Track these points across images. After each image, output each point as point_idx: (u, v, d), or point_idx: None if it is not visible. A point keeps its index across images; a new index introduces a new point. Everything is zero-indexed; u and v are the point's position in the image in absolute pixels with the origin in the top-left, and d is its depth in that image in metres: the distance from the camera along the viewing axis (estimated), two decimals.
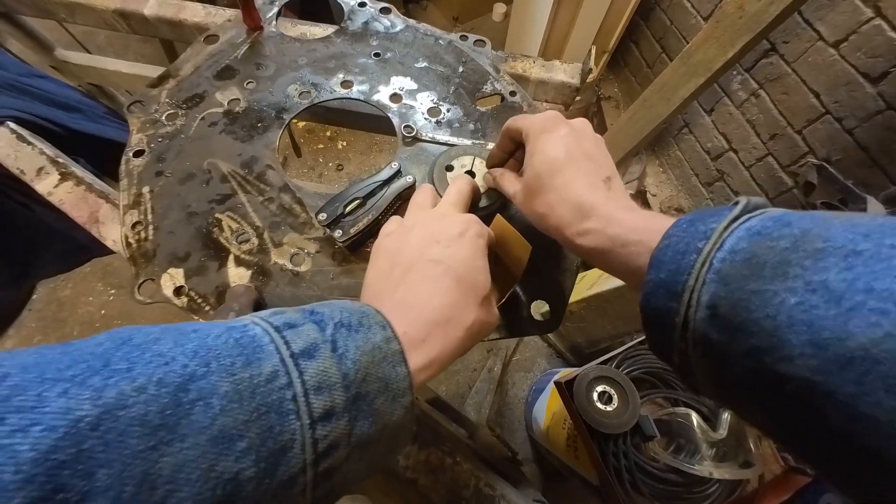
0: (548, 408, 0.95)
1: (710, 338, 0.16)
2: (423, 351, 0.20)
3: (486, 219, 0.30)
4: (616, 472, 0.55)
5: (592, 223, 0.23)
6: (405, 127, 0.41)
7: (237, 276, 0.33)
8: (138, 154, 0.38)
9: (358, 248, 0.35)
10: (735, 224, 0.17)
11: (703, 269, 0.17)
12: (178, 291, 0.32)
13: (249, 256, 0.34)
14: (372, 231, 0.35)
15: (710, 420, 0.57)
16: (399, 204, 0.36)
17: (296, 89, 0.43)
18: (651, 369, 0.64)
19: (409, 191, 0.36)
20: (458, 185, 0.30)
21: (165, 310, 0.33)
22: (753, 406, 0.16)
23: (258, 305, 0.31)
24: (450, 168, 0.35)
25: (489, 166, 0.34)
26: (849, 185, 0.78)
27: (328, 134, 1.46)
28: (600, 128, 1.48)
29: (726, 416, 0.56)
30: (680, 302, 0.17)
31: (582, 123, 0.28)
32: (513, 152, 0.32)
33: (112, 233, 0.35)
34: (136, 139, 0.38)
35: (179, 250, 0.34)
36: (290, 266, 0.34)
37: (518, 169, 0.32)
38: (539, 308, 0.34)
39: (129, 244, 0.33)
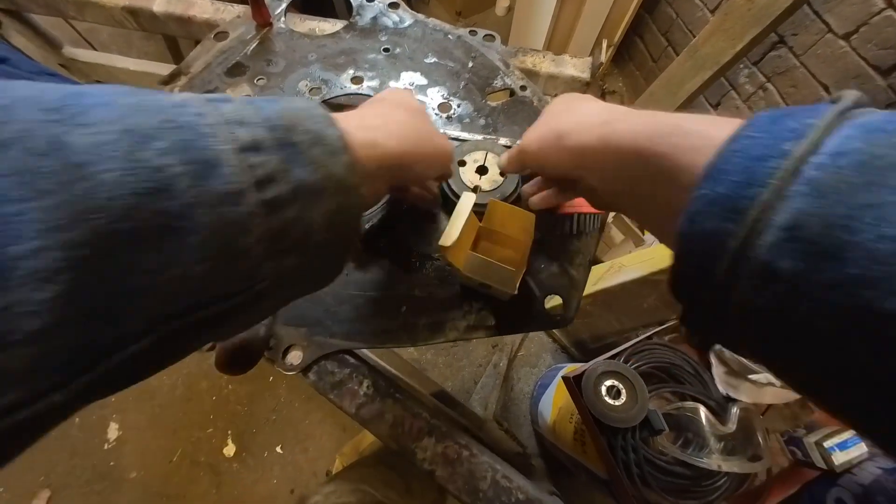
0: (554, 402, 0.95)
1: (779, 267, 0.13)
2: (363, 131, 0.20)
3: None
4: (625, 466, 0.55)
5: (623, 115, 0.20)
6: None
7: None
8: None
9: (371, 245, 0.35)
10: (842, 121, 0.13)
11: (789, 178, 0.13)
12: None
13: None
14: (386, 226, 0.35)
15: (719, 414, 0.58)
16: None
17: (306, 85, 0.43)
18: (659, 364, 0.64)
19: None
20: None
21: None
22: (816, 356, 0.13)
23: None
24: (462, 163, 0.35)
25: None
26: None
27: None
28: None
29: (735, 410, 0.56)
30: (741, 222, 0.13)
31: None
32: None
33: None
34: None
35: None
36: None
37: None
38: (552, 302, 0.34)
39: None
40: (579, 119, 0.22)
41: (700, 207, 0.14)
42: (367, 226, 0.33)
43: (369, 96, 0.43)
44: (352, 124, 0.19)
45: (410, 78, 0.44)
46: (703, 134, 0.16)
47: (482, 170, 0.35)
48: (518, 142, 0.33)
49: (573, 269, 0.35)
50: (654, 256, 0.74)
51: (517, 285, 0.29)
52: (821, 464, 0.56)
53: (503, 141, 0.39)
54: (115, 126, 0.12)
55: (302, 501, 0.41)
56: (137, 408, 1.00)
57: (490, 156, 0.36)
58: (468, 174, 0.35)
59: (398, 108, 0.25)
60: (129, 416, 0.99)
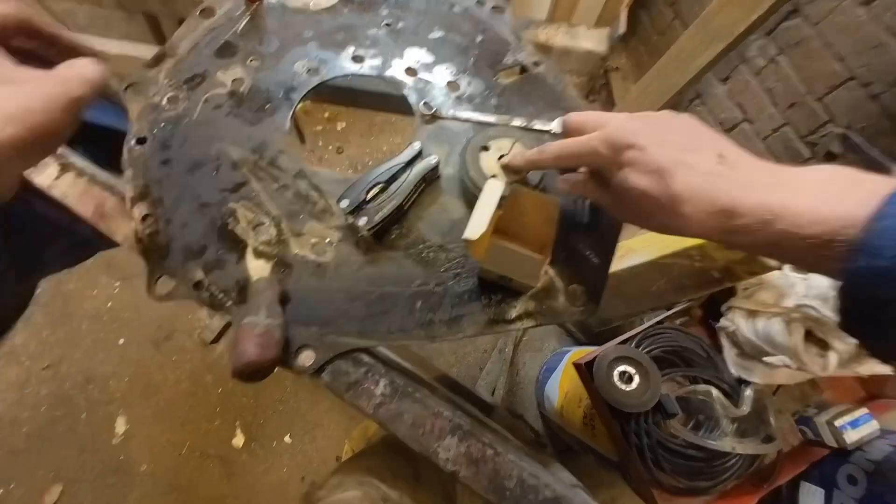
0: (560, 387, 0.95)
1: None
2: None
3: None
4: (638, 450, 0.55)
5: (744, 220, 0.20)
6: (424, 104, 0.38)
7: (257, 268, 0.31)
8: (141, 141, 0.35)
9: (383, 236, 0.33)
10: None
11: None
12: (197, 286, 0.30)
13: (268, 248, 0.32)
14: (397, 217, 0.33)
15: (732, 396, 0.58)
16: (423, 187, 0.34)
17: (303, 66, 0.40)
18: (671, 348, 0.64)
19: (434, 172, 0.34)
20: None
21: (174, 303, 0.32)
22: None
23: (282, 299, 0.30)
24: (485, 148, 0.33)
25: (523, 168, 0.31)
26: (874, 154, 0.76)
27: (326, 115, 1.41)
28: (608, 101, 1.43)
29: (749, 392, 0.56)
30: None
31: (645, 119, 0.25)
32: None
33: (121, 227, 0.33)
34: (136, 125, 0.35)
35: (194, 244, 0.32)
36: (312, 257, 0.32)
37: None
38: (574, 293, 0.32)
39: (139, 239, 0.31)
40: (699, 219, 0.21)
41: (862, 280, 0.17)
42: (376, 218, 0.31)
43: (373, 77, 0.40)
44: None
45: (416, 55, 0.41)
46: (831, 228, 0.18)
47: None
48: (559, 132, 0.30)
49: (598, 257, 0.33)
50: (663, 240, 0.73)
51: (540, 277, 0.27)
52: (832, 443, 0.57)
53: (517, 122, 0.36)
54: None
55: (311, 491, 0.40)
56: (143, 403, 0.99)
57: (518, 146, 0.33)
58: (489, 161, 0.33)
59: None
60: (135, 411, 0.98)
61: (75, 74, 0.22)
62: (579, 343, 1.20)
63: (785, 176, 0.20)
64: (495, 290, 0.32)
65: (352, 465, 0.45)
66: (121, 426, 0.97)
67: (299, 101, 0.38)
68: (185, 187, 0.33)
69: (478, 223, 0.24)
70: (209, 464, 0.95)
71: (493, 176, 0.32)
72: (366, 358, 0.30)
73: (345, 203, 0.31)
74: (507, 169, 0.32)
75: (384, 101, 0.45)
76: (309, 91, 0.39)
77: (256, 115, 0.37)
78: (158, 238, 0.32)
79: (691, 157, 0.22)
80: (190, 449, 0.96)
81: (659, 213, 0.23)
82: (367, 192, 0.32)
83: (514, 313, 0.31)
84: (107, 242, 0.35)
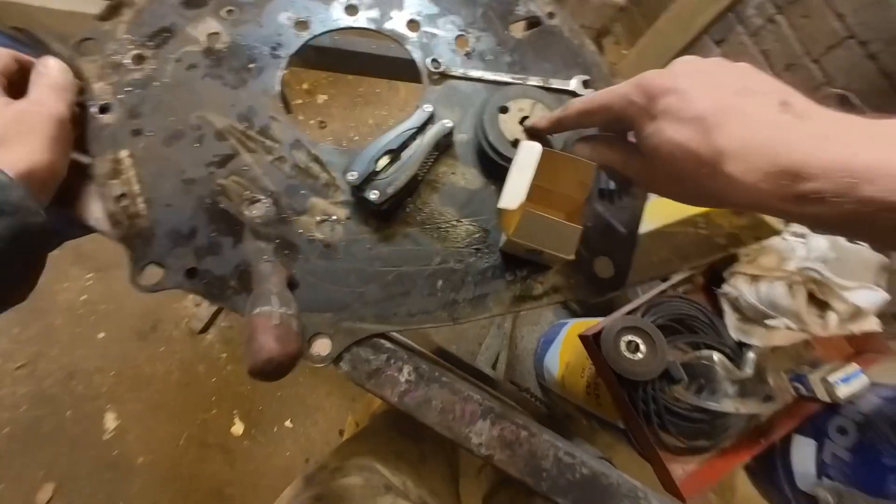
0: (561, 358, 0.97)
1: None
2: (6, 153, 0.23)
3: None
4: (645, 415, 0.57)
5: (813, 183, 0.16)
6: (431, 61, 0.34)
7: (257, 251, 0.28)
8: (104, 109, 0.30)
9: (396, 211, 0.30)
10: None
11: None
12: (191, 274, 0.27)
13: (268, 228, 0.29)
14: (410, 190, 0.30)
15: (734, 360, 0.59)
16: (437, 155, 0.31)
17: (289, 18, 0.35)
18: (675, 316, 0.64)
19: (448, 138, 0.30)
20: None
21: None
22: None
23: (290, 284, 0.27)
24: (504, 109, 0.30)
25: (546, 129, 0.28)
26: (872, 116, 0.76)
27: (305, 87, 1.31)
28: None
29: (751, 355, 0.58)
30: None
31: (689, 62, 0.21)
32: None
33: (93, 210, 0.28)
34: (97, 90, 0.30)
35: (182, 226, 0.28)
36: (318, 236, 0.29)
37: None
38: (601, 265, 0.31)
39: (117, 222, 0.27)
40: (752, 181, 0.17)
41: None
42: (389, 190, 0.28)
43: (370, 31, 0.35)
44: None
45: (417, 5, 0.36)
46: None
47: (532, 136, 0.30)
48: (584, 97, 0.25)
49: (624, 228, 0.31)
50: (668, 209, 0.72)
51: (575, 248, 0.25)
52: (824, 397, 0.59)
53: (534, 81, 0.33)
54: None
55: (312, 473, 0.37)
56: (134, 396, 0.95)
57: (539, 108, 0.30)
58: (510, 123, 0.29)
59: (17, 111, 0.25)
60: (125, 405, 0.95)
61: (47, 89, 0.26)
62: (575, 315, 1.22)
63: (875, 129, 0.16)
64: (520, 265, 0.30)
65: (353, 447, 0.43)
66: (111, 422, 0.94)
67: (290, 60, 0.33)
68: (164, 162, 0.29)
69: (515, 190, 0.21)
70: (209, 453, 0.93)
71: (515, 141, 0.29)
72: (386, 343, 0.28)
73: (352, 175, 0.28)
74: (529, 132, 0.29)
75: (385, 64, 0.41)
76: (302, 46, 0.34)
77: (239, 77, 0.32)
78: (140, 221, 0.28)
79: (745, 103, 0.18)
80: (188, 440, 0.94)
81: (696, 174, 0.18)
82: (377, 162, 0.28)
83: (540, 289, 0.29)
84: (79, 228, 0.31)
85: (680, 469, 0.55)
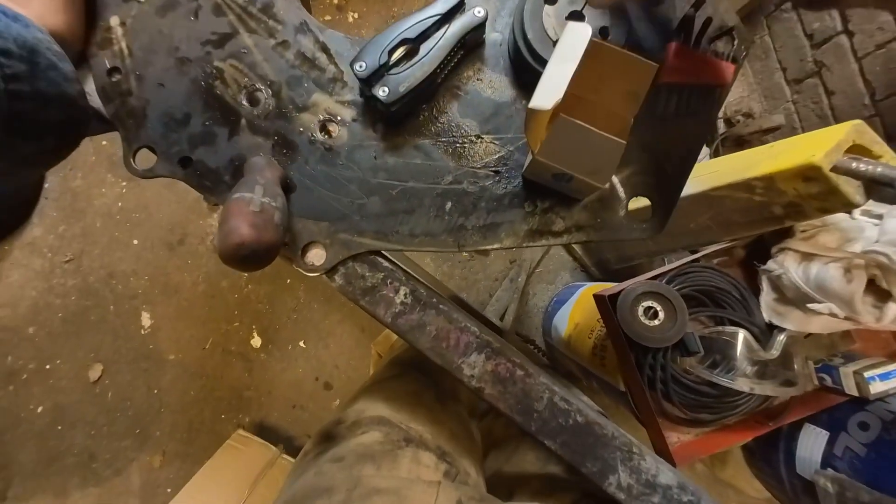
0: (571, 318, 0.95)
1: None
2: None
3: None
4: (650, 382, 0.55)
5: None
6: None
7: (254, 146, 0.25)
8: None
9: (408, 117, 0.26)
10: None
11: None
12: (184, 163, 0.25)
13: (266, 122, 0.26)
14: (426, 92, 0.26)
15: (761, 340, 0.55)
16: (462, 54, 0.26)
17: None
18: (702, 287, 0.59)
19: (478, 32, 0.25)
20: None
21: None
22: None
23: (284, 186, 0.24)
24: (551, 1, 0.24)
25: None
26: None
27: (335, 0, 1.20)
28: None
29: (782, 337, 0.53)
30: None
31: None
32: None
33: (87, 83, 0.26)
34: None
35: (176, 110, 0.26)
36: (320, 137, 0.26)
37: None
38: (637, 204, 0.26)
39: (109, 97, 0.25)
40: None
41: None
42: (400, 89, 0.24)
43: None
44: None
45: None
46: None
47: (577, 17, 0.24)
48: None
49: (671, 165, 0.26)
50: (717, 169, 0.63)
51: (611, 174, 0.21)
52: (853, 392, 0.55)
53: None
54: None
55: (329, 428, 0.37)
56: (164, 301, 1.03)
57: None
58: (555, 19, 0.24)
59: None
60: (157, 307, 1.03)
61: None
62: (593, 279, 1.18)
63: None
64: (544, 195, 0.26)
65: (371, 393, 0.43)
66: (146, 320, 1.03)
67: None
68: (156, 35, 0.26)
69: (552, 87, 0.17)
70: (231, 359, 1.02)
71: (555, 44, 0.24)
72: (384, 262, 0.26)
73: (360, 66, 0.24)
74: (590, 3, 0.23)
75: None
76: None
77: None
78: (131, 100, 0.25)
79: None
80: (213, 345, 1.02)
81: None
82: (390, 53, 0.24)
83: (562, 225, 0.26)
84: (97, 122, 0.29)
85: (675, 437, 0.54)
